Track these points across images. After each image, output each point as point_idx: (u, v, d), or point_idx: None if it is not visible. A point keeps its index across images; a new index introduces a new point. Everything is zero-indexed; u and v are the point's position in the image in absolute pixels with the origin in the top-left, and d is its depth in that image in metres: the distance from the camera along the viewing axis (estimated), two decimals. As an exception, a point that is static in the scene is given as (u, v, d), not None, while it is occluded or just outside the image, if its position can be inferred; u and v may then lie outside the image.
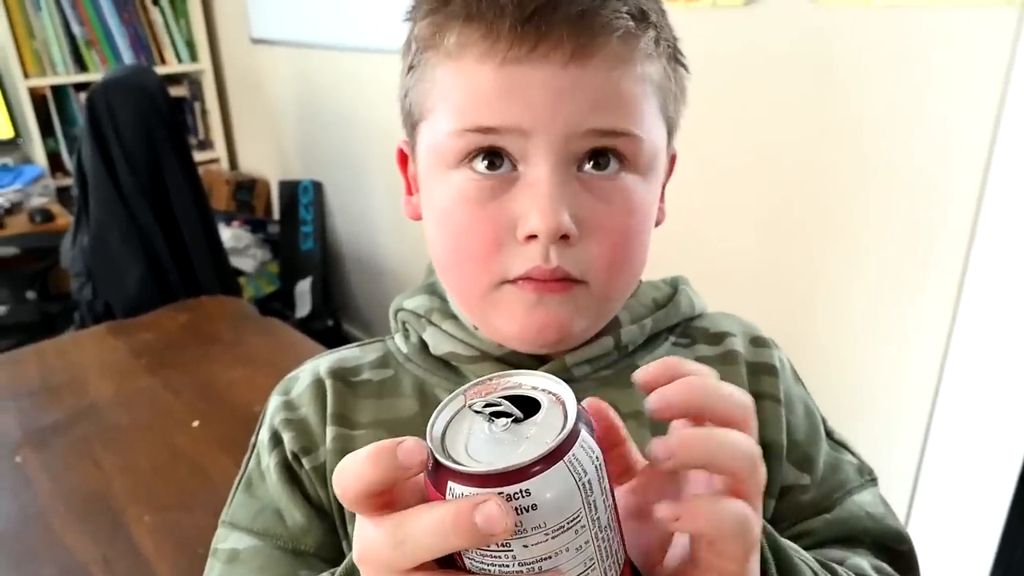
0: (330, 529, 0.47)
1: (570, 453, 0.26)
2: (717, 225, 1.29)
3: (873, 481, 0.52)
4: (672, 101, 0.46)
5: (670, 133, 0.47)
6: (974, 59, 0.97)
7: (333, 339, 2.50)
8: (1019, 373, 1.04)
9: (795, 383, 0.53)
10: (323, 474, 0.47)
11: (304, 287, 2.50)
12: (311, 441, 0.48)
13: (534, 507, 0.25)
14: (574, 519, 0.27)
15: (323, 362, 0.52)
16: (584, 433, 0.27)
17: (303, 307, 2.50)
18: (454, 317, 0.50)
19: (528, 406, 0.28)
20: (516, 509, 0.25)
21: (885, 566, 0.46)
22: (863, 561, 0.44)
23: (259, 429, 0.51)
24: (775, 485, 0.47)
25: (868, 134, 1.10)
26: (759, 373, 0.50)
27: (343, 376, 0.50)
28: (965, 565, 1.17)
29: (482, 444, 0.27)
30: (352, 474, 0.28)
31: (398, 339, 0.53)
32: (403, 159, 0.51)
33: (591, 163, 0.42)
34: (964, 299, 1.04)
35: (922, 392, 1.12)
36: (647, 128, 0.43)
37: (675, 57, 0.46)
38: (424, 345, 0.51)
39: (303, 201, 2.52)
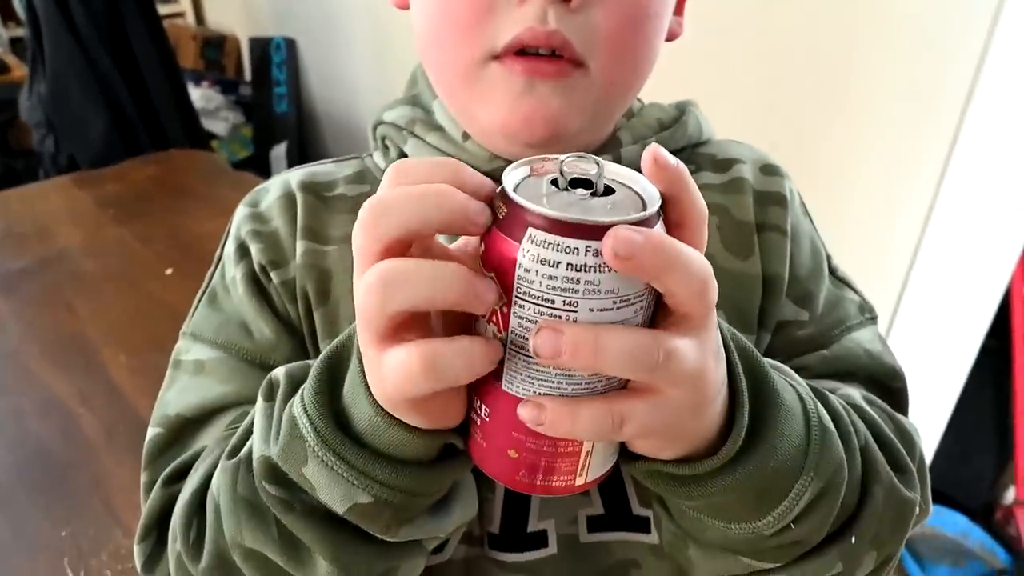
0: (298, 346, 0.45)
1: (657, 226, 0.26)
2: (711, 80, 1.24)
3: (873, 319, 0.50)
4: None
5: None
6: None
7: (311, 207, 2.45)
8: (998, 234, 1.05)
9: (803, 216, 0.50)
10: (292, 289, 0.44)
11: (280, 152, 2.42)
12: (280, 255, 0.45)
13: (611, 270, 0.24)
14: (640, 295, 0.26)
15: (294, 175, 0.48)
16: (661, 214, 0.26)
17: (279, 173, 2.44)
18: (439, 128, 0.46)
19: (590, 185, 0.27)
20: (599, 267, 0.24)
21: (876, 399, 0.45)
22: (854, 392, 0.43)
23: (224, 241, 0.48)
24: (772, 319, 0.46)
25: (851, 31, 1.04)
26: (767, 203, 0.47)
27: (315, 190, 0.47)
28: (920, 426, 1.23)
29: (562, 205, 0.25)
30: (398, 212, 0.26)
31: (376, 156, 0.49)
32: None
33: None
34: (954, 156, 1.03)
35: (901, 253, 1.13)
36: None
37: None
38: (405, 159, 0.46)
39: (276, 60, 2.39)
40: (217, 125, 2.46)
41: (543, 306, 0.25)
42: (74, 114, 1.66)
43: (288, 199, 0.46)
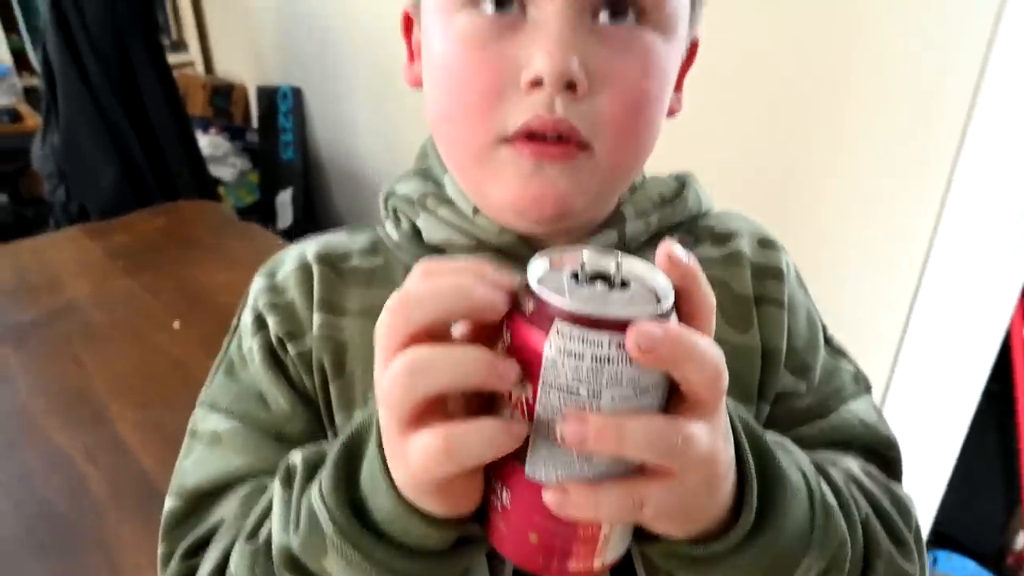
0: (314, 417, 0.46)
1: (672, 318, 0.27)
2: (702, 121, 1.27)
3: (867, 389, 0.52)
4: None
5: (694, 7, 0.43)
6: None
7: (315, 251, 2.48)
8: (997, 277, 1.06)
9: (799, 288, 0.51)
10: (308, 361, 0.45)
11: (285, 198, 2.46)
12: (297, 326, 0.46)
13: (633, 362, 0.26)
14: (658, 384, 0.27)
15: (310, 246, 0.49)
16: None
17: (284, 218, 2.47)
18: (450, 202, 0.47)
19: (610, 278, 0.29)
20: (622, 359, 0.26)
21: (873, 469, 0.47)
22: (853, 464, 0.45)
23: (241, 311, 0.49)
24: (771, 390, 0.47)
25: (859, 36, 1.07)
26: (764, 276, 0.48)
27: (331, 261, 0.48)
28: (926, 472, 1.23)
29: (585, 299, 0.27)
30: (424, 304, 0.28)
31: (388, 226, 0.50)
32: (407, 25, 0.47)
33: (607, 13, 0.38)
34: (949, 200, 1.04)
35: (901, 295, 1.14)
36: None
37: None
38: (417, 232, 0.48)
39: (282, 108, 2.44)
40: (224, 171, 2.50)
41: (568, 394, 0.26)
42: (85, 164, 1.69)
43: (304, 271, 0.47)
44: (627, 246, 0.47)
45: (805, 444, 0.46)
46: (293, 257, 0.49)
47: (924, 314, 1.11)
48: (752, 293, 0.48)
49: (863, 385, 0.52)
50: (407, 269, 0.46)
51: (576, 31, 0.37)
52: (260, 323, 0.47)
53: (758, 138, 1.25)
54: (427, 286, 0.29)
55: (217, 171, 2.45)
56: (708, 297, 0.29)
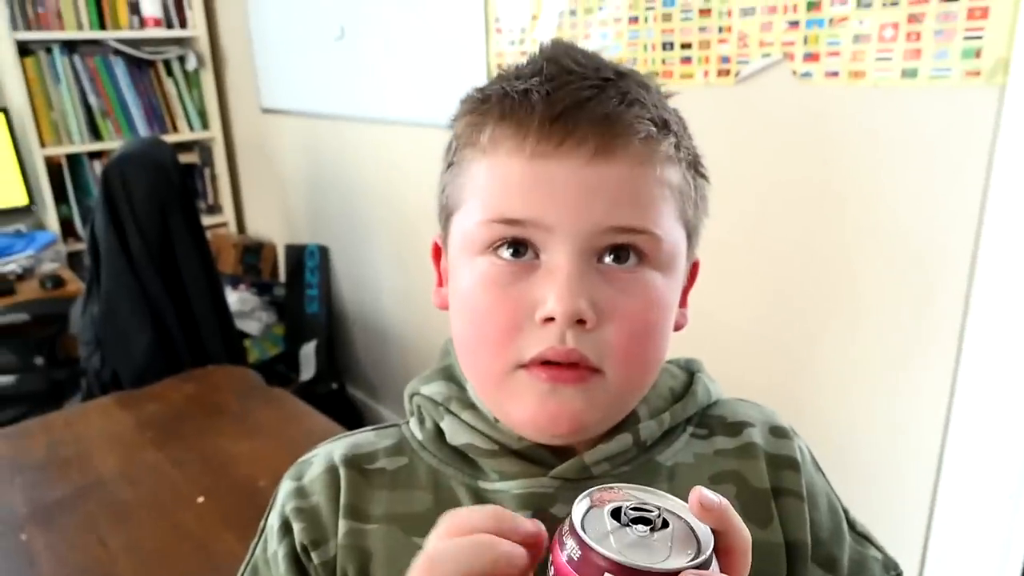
0: None
1: (713, 562, 0.29)
2: (713, 296, 1.31)
3: (897, 573, 0.52)
4: (692, 207, 0.47)
5: (690, 238, 0.48)
6: (959, 136, 1.01)
7: (338, 402, 2.51)
8: (1020, 435, 1.05)
9: (816, 473, 0.52)
10: (332, 569, 0.47)
11: (309, 350, 2.52)
12: (322, 533, 0.48)
13: None
14: None
15: (337, 447, 0.52)
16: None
17: (308, 370, 2.52)
18: (473, 407, 0.50)
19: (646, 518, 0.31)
20: None
21: None
22: None
23: (268, 513, 0.51)
24: None
25: (858, 208, 1.13)
26: (780, 467, 0.50)
27: (357, 464, 0.50)
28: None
29: (628, 545, 0.29)
30: (448, 563, 0.31)
31: (413, 424, 0.53)
32: (437, 253, 0.53)
33: (611, 256, 0.44)
34: (963, 364, 1.06)
35: (926, 457, 1.13)
36: (665, 228, 0.44)
37: (695, 167, 0.48)
38: (440, 433, 0.51)
39: (309, 265, 2.57)
40: (251, 325, 2.59)
41: None
42: (122, 334, 1.77)
43: (331, 474, 0.50)
44: (642, 446, 0.49)
45: None
46: (321, 459, 0.51)
47: (955, 466, 1.10)
48: (769, 485, 0.49)
49: (894, 572, 0.52)
50: (430, 470, 0.50)
51: (584, 274, 0.42)
52: (286, 529, 0.49)
53: (766, 290, 1.29)
54: (450, 544, 0.32)
55: (244, 325, 2.54)
56: (742, 533, 0.32)
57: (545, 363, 0.43)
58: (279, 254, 2.85)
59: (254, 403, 1.52)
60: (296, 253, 2.61)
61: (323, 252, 2.55)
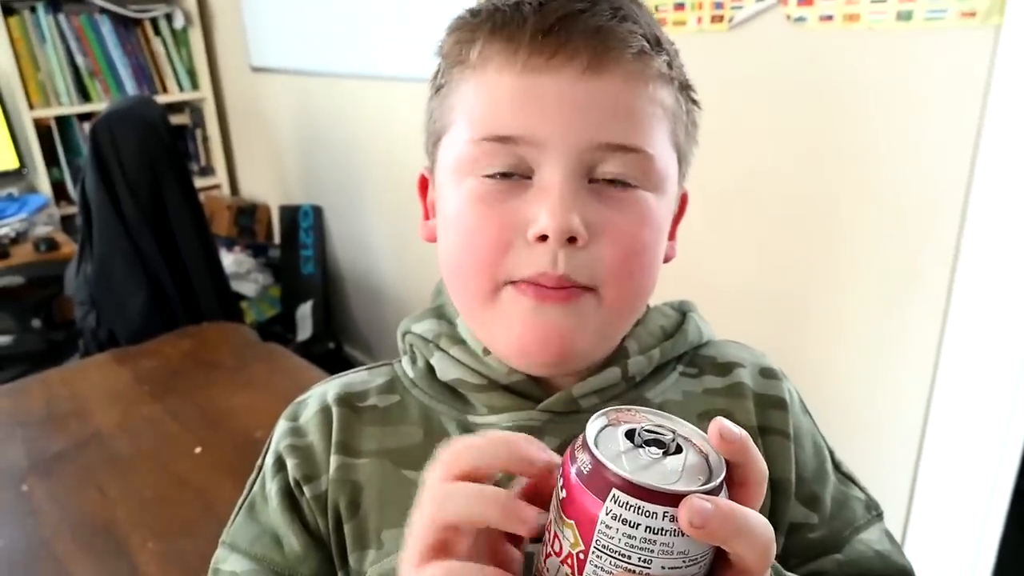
0: (326, 559, 0.47)
1: (722, 491, 0.29)
2: (707, 245, 1.32)
3: (879, 516, 0.52)
4: (683, 131, 0.47)
5: (680, 164, 0.47)
6: (953, 79, 1.00)
7: (334, 361, 2.52)
8: (1008, 384, 1.06)
9: (803, 415, 0.52)
10: (323, 503, 0.47)
11: (305, 310, 2.53)
12: (314, 469, 0.48)
13: (684, 534, 0.27)
14: (706, 553, 0.29)
15: (331, 387, 0.53)
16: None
17: (304, 330, 2.53)
18: (463, 342, 0.50)
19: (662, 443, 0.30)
20: (674, 531, 0.27)
21: None
22: None
23: (265, 452, 0.52)
24: (783, 523, 0.48)
25: (852, 154, 1.13)
26: (768, 407, 0.50)
27: (349, 402, 0.51)
28: (972, 550, 1.18)
29: (641, 467, 0.29)
30: (469, 449, 0.31)
31: (405, 363, 0.53)
32: (424, 185, 0.52)
33: (603, 175, 0.43)
34: (952, 312, 1.06)
35: (914, 405, 1.14)
36: (658, 148, 0.43)
37: (687, 90, 0.47)
38: (431, 370, 0.51)
39: (303, 225, 2.56)
40: (247, 287, 2.59)
41: (619, 560, 0.28)
42: (116, 292, 1.77)
43: (325, 413, 0.50)
44: (631, 381, 0.49)
45: None
46: (315, 399, 0.52)
47: (942, 414, 1.11)
48: (756, 424, 0.49)
49: (874, 512, 0.52)
50: (421, 407, 0.50)
51: (576, 192, 0.41)
52: (280, 465, 0.49)
53: (763, 245, 1.29)
54: (478, 439, 0.32)
55: (241, 287, 2.54)
56: (758, 467, 0.31)
57: (534, 283, 0.42)
58: (273, 215, 2.84)
59: (249, 358, 1.53)
60: (290, 214, 2.60)
61: (317, 212, 2.54)
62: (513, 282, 0.43)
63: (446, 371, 0.49)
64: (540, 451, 0.31)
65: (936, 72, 1.01)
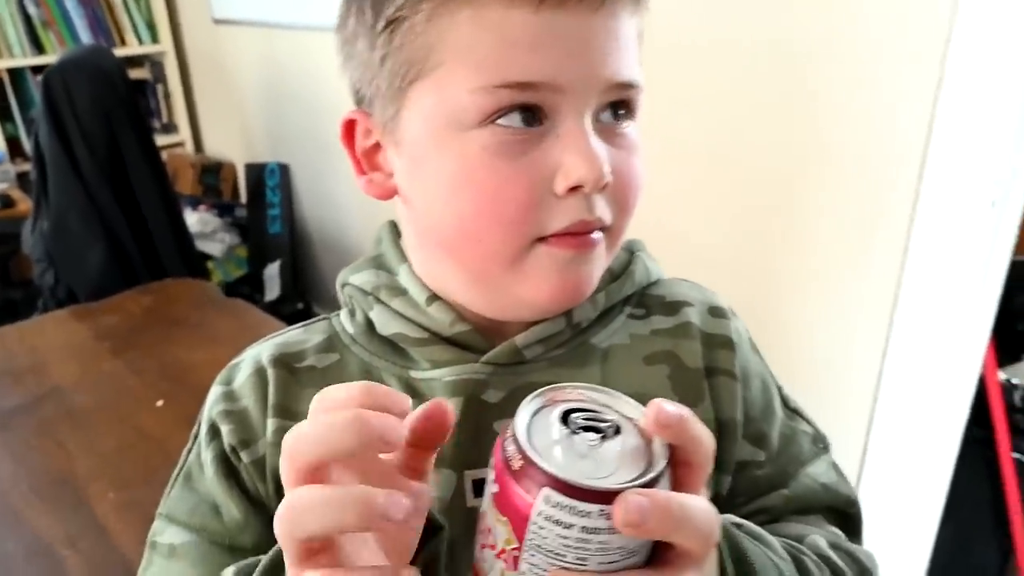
0: (267, 525, 0.44)
1: (663, 478, 0.27)
2: (680, 206, 1.32)
3: (826, 448, 0.52)
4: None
5: None
6: (913, 36, 1.00)
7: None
8: (959, 338, 1.09)
9: (752, 353, 0.52)
10: (262, 467, 0.46)
11: (273, 270, 2.49)
12: (250, 433, 0.46)
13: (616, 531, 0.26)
14: (645, 544, 0.28)
15: (265, 348, 0.50)
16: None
17: (272, 290, 2.50)
18: (404, 293, 0.48)
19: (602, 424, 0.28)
20: (610, 529, 0.26)
21: (839, 536, 0.48)
22: (820, 539, 0.45)
23: (199, 421, 0.50)
24: (730, 461, 0.48)
25: (814, 111, 1.13)
26: (715, 346, 0.49)
27: (286, 363, 0.48)
28: (914, 522, 1.22)
29: (574, 459, 0.27)
30: (312, 443, 0.29)
31: (344, 316, 0.51)
32: (351, 133, 0.47)
33: (608, 112, 0.41)
34: (907, 271, 1.08)
35: (872, 353, 1.16)
36: (642, 80, 0.43)
37: None
38: (371, 324, 0.49)
39: (270, 184, 2.51)
40: (213, 247, 2.54)
41: (554, 559, 0.26)
42: (74, 248, 1.73)
43: (259, 376, 0.48)
44: (576, 327, 0.47)
45: (770, 514, 0.48)
46: (249, 361, 0.49)
47: (897, 362, 1.14)
48: (703, 365, 0.49)
49: (821, 445, 0.52)
50: (361, 364, 0.48)
51: (597, 139, 0.40)
52: (214, 432, 0.47)
53: (730, 206, 1.30)
54: (312, 424, 0.30)
55: (206, 247, 2.49)
56: (703, 445, 0.30)
57: (569, 233, 0.41)
58: (239, 173, 2.78)
59: (212, 314, 1.50)
60: (256, 172, 2.55)
61: (284, 170, 2.49)
62: (544, 239, 0.41)
63: (386, 325, 0.47)
64: (393, 422, 0.29)
65: (897, 29, 1.01)
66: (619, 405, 0.30)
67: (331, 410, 0.30)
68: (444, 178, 0.41)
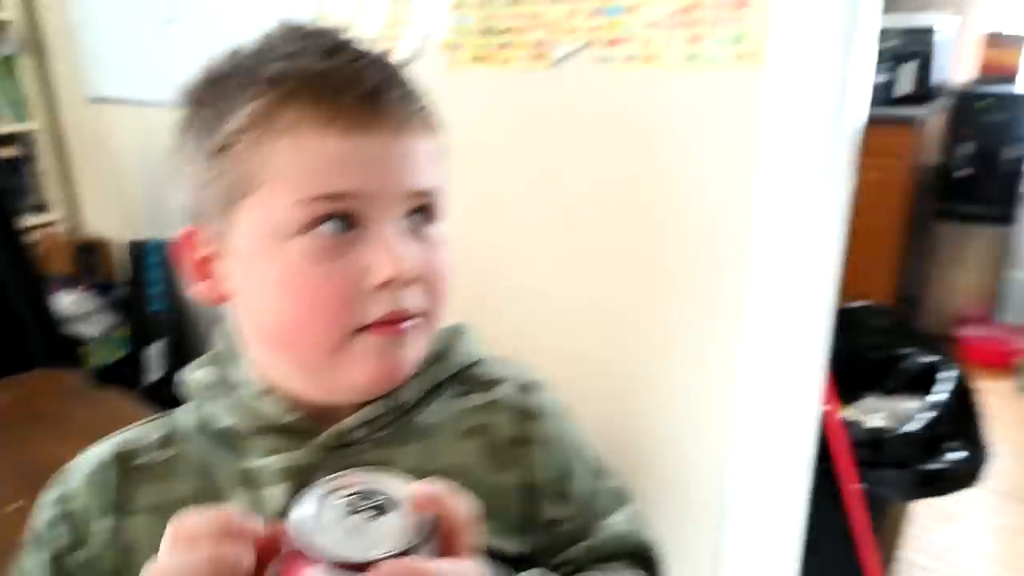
0: None
1: (428, 546, 0.31)
2: (544, 276, 1.39)
3: (628, 502, 0.59)
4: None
5: None
6: (730, 114, 1.13)
7: (191, 402, 2.40)
8: (799, 380, 1.20)
9: (560, 421, 0.58)
10: (96, 567, 0.48)
11: (155, 350, 2.40)
12: (84, 534, 0.48)
13: None
14: None
15: (105, 448, 0.53)
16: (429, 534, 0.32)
17: (155, 371, 2.40)
18: (237, 388, 0.52)
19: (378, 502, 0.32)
20: None
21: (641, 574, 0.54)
22: None
23: (31, 530, 0.51)
24: (537, 521, 0.53)
25: (657, 180, 1.24)
26: (524, 418, 0.56)
27: (123, 461, 0.51)
28: (776, 557, 1.30)
29: (338, 535, 0.31)
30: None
31: (182, 412, 0.55)
32: (187, 247, 0.51)
33: (415, 216, 0.49)
34: (746, 320, 1.19)
35: (720, 400, 1.25)
36: (445, 185, 0.52)
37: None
38: (207, 418, 0.52)
39: (152, 261, 2.43)
40: (91, 328, 2.43)
41: None
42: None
43: (96, 475, 0.50)
44: (400, 408, 0.52)
45: (575, 564, 0.53)
46: (85, 462, 0.52)
47: (745, 409, 1.23)
48: (510, 435, 0.55)
49: (623, 499, 0.59)
50: (198, 458, 0.51)
51: (404, 240, 0.47)
52: (47, 536, 0.49)
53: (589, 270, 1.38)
54: (175, 565, 0.33)
55: (84, 329, 2.37)
56: (461, 514, 0.34)
57: (384, 322, 0.47)
58: (119, 252, 2.68)
59: (81, 406, 1.44)
60: (137, 250, 2.47)
61: (166, 247, 2.43)
62: (363, 327, 0.47)
63: (220, 419, 0.51)
64: (244, 555, 0.32)
65: (718, 108, 1.14)
66: (391, 488, 0.34)
67: (187, 544, 0.32)
68: (271, 282, 0.47)
